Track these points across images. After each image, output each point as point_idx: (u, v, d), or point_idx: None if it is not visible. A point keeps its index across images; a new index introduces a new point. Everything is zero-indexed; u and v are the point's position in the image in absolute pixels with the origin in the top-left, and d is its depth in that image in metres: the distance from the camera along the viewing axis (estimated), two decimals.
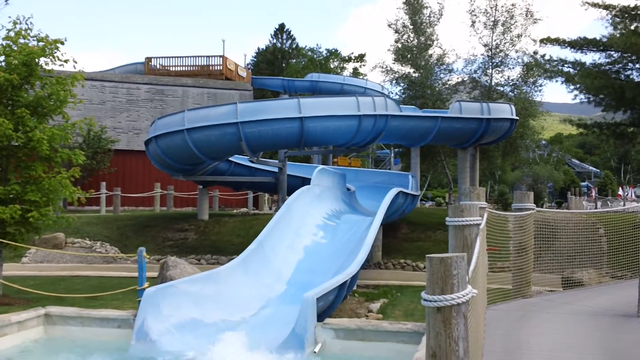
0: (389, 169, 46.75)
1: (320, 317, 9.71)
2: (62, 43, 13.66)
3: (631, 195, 47.18)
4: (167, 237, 21.66)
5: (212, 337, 9.22)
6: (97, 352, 9.22)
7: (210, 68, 38.29)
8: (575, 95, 33.54)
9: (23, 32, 13.49)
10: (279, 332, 9.36)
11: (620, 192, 49.90)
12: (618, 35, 30.55)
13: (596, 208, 38.42)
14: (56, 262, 19.06)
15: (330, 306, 10.81)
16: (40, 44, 13.43)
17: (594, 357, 6.73)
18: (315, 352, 8.85)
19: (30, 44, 13.43)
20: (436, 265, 3.94)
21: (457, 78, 36.88)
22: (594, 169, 78.69)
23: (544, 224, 12.70)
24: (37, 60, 13.27)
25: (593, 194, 49.77)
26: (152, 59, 39.03)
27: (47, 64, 13.60)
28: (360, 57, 63.01)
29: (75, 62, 14.08)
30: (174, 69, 38.77)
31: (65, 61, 13.77)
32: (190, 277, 11.55)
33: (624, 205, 34.49)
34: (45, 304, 10.74)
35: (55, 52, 13.55)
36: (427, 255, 3.98)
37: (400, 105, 22.88)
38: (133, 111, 34.56)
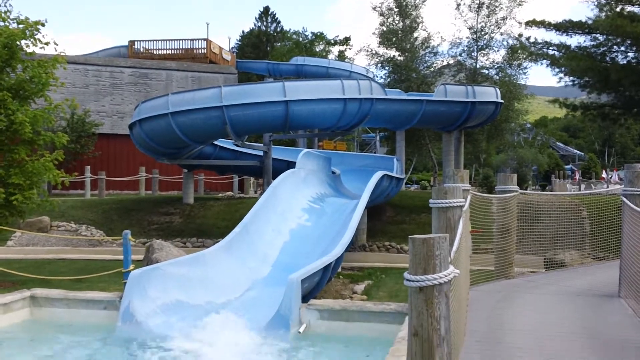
0: (374, 153, 46.83)
1: (305, 298, 9.79)
2: (43, 25, 13.58)
3: (615, 178, 47.50)
4: (153, 221, 21.64)
5: (197, 318, 9.27)
6: (83, 334, 9.28)
7: (195, 51, 38.10)
8: (560, 78, 33.73)
9: (3, 15, 13.39)
10: (264, 314, 9.43)
11: (604, 175, 50.25)
12: (603, 18, 30.67)
13: (580, 191, 38.70)
14: (41, 245, 19.02)
15: (315, 288, 10.88)
16: (21, 26, 13.34)
17: (575, 337, 6.82)
18: (300, 332, 8.93)
19: (10, 27, 13.33)
20: (419, 246, 3.98)
21: (442, 61, 36.93)
22: (578, 152, 79.21)
23: (528, 206, 12.80)
24: (18, 42, 13.18)
25: (577, 176, 50.10)
26: (136, 42, 38.77)
27: (28, 46, 13.52)
28: (346, 41, 62.91)
29: (57, 45, 14.00)
30: (157, 53, 38.54)
31: (46, 43, 13.69)
32: (176, 259, 11.58)
33: (607, 188, 34.77)
34: (31, 287, 10.76)
35: (36, 34, 13.47)
36: (409, 237, 4.02)
37: (386, 89, 22.87)
38: (117, 95, 34.37)
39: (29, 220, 18.67)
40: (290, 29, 64.90)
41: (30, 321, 9.96)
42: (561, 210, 14.85)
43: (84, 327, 9.59)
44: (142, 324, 9.32)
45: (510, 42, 34.25)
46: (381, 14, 35.17)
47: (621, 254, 9.23)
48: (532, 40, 34.02)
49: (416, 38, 35.04)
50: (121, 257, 11.23)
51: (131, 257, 11.02)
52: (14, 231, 17.18)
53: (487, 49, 34.48)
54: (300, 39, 61.04)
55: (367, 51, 35.78)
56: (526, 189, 34.79)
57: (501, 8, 33.76)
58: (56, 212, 17.70)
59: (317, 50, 60.09)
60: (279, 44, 62.08)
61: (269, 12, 66.12)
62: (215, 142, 23.13)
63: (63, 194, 25.24)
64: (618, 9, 30.53)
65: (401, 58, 34.50)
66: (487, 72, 34.69)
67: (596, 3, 31.73)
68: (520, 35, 34.28)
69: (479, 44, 34.34)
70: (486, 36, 34.19)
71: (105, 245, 19.36)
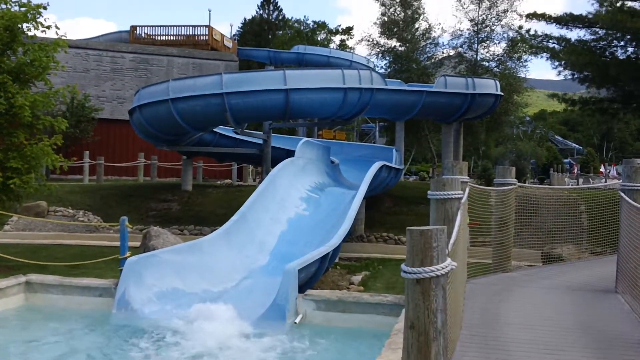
0: (374, 143, 46.77)
1: (302, 288, 9.78)
2: (45, 8, 13.56)
3: (613, 173, 47.48)
4: (151, 207, 21.61)
5: (193, 307, 9.26)
6: (78, 321, 9.25)
7: (196, 38, 37.98)
8: (560, 72, 33.69)
9: None
10: (260, 303, 9.42)
11: (602, 169, 50.23)
12: (604, 12, 30.60)
13: (578, 185, 38.71)
14: (38, 230, 18.98)
15: (312, 278, 10.87)
16: (23, 9, 13.28)
17: (571, 331, 6.82)
18: (296, 322, 8.92)
19: (12, 9, 13.28)
20: (416, 238, 3.97)
21: (443, 52, 36.89)
22: (577, 146, 79.20)
23: (526, 200, 12.79)
24: (19, 25, 13.13)
25: (575, 170, 50.08)
26: (137, 28, 38.67)
27: (29, 29, 13.48)
28: (348, 30, 62.76)
29: (58, 28, 13.96)
30: (159, 38, 38.41)
31: (48, 27, 13.66)
32: (172, 247, 11.57)
33: (606, 182, 34.78)
34: (27, 272, 10.73)
35: (38, 18, 13.42)
36: (407, 228, 4.00)
37: (386, 79, 22.84)
38: (117, 80, 34.24)
39: (26, 204, 18.60)
40: (292, 17, 64.81)
41: (25, 307, 9.94)
42: (559, 204, 14.85)
43: (79, 313, 9.57)
44: (137, 311, 9.32)
45: (511, 34, 34.22)
46: (383, 4, 35.14)
47: (618, 249, 9.23)
48: (532, 32, 34.01)
49: (417, 29, 35.01)
50: (118, 243, 11.22)
51: (128, 244, 11.01)
52: (11, 215, 17.16)
53: (487, 41, 34.46)
54: (302, 28, 60.90)
55: (368, 41, 35.76)
56: (524, 182, 34.81)
57: (502, 1, 33.71)
58: (54, 197, 17.70)
59: (319, 39, 59.98)
60: (281, 32, 61.86)
61: (271, 0, 65.81)
62: (215, 130, 23.11)
63: (61, 179, 25.19)
64: (618, 4, 30.44)
65: (402, 48, 34.46)
66: (487, 64, 34.64)
67: None
68: (520, 27, 34.25)
69: (479, 36, 34.29)
70: (487, 28, 34.15)
71: (102, 231, 19.33)
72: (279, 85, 18.64)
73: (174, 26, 38.69)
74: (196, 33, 38.20)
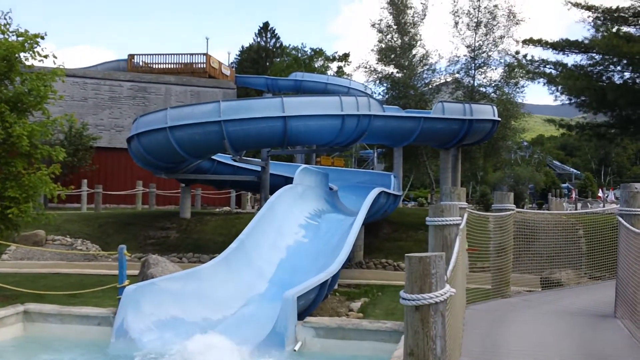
0: (372, 169, 46.84)
1: (301, 315, 9.73)
2: (42, 38, 13.64)
3: (611, 197, 47.49)
4: (149, 235, 21.58)
5: (192, 335, 9.21)
6: (76, 350, 9.19)
7: (194, 66, 38.15)
8: (557, 97, 33.85)
9: (2, 27, 13.43)
10: (259, 331, 9.37)
11: (600, 194, 50.27)
12: (600, 38, 30.82)
13: (576, 209, 38.69)
14: (36, 260, 18.94)
15: (311, 305, 10.82)
16: (20, 39, 13.37)
17: (571, 357, 6.79)
18: (295, 350, 8.88)
19: (9, 39, 13.36)
20: (415, 265, 3.97)
21: (440, 79, 36.99)
22: (575, 170, 79.29)
23: (524, 225, 12.79)
24: (16, 55, 13.20)
25: (573, 195, 50.10)
26: (135, 56, 38.84)
27: (27, 59, 13.57)
28: (345, 57, 63.15)
29: (55, 58, 14.03)
30: (157, 67, 38.57)
31: (45, 56, 13.73)
32: (171, 275, 11.53)
33: (604, 207, 34.78)
34: (25, 301, 10.67)
35: (35, 47, 13.52)
36: (406, 255, 4.00)
37: (384, 106, 22.93)
38: (115, 108, 34.37)
39: (24, 233, 18.60)
40: (289, 45, 65.26)
41: (24, 336, 9.87)
42: (558, 229, 14.84)
43: (77, 343, 9.50)
44: (135, 340, 9.26)
45: (508, 60, 34.37)
46: (380, 31, 35.26)
47: (617, 273, 9.21)
48: (529, 58, 34.19)
49: (414, 55, 35.12)
50: (116, 271, 11.19)
51: (126, 272, 10.98)
52: (9, 245, 17.12)
53: (484, 67, 34.56)
54: (299, 55, 61.30)
55: (366, 67, 35.85)
56: (523, 207, 34.79)
57: (499, 27, 33.87)
58: (52, 225, 17.65)
59: (316, 66, 60.35)
60: (278, 59, 62.24)
61: (269, 28, 66.25)
62: (213, 157, 23.14)
63: (59, 208, 25.17)
64: (614, 30, 30.69)
65: (399, 75, 34.57)
66: (484, 90, 34.72)
67: (592, 23, 31.93)
68: (517, 53, 34.41)
69: (476, 62, 34.40)
70: (484, 54, 34.27)
71: (100, 260, 19.28)
72: (277, 113, 18.70)
73: (171, 54, 38.89)
74: (194, 61, 38.38)
